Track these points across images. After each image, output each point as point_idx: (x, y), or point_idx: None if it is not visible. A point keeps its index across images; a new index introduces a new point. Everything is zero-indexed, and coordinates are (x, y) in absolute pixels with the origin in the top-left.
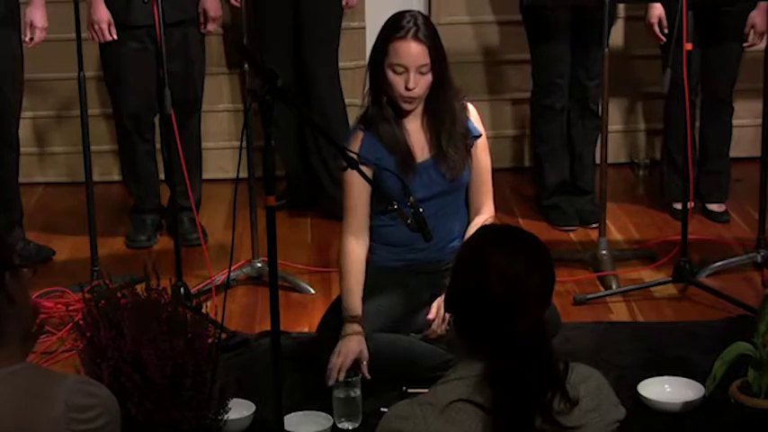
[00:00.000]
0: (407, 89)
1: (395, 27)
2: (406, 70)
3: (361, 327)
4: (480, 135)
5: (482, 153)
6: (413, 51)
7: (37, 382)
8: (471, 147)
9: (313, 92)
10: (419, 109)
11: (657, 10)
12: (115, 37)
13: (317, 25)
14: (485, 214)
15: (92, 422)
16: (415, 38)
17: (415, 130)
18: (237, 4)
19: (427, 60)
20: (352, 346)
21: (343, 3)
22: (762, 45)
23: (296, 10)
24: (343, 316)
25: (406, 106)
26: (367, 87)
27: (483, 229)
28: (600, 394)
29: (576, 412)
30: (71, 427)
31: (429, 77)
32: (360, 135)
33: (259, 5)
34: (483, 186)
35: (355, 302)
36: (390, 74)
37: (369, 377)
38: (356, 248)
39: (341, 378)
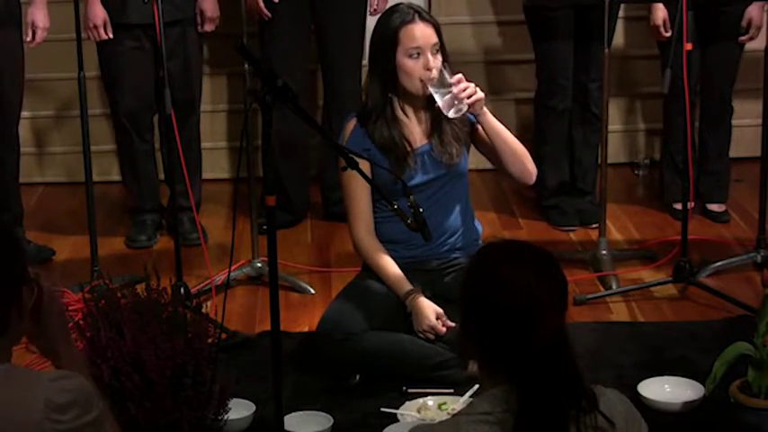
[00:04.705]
0: (428, 69)
1: (396, 16)
2: (423, 52)
3: (419, 291)
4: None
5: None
6: (425, 32)
7: (14, 386)
8: (472, 132)
9: (337, 97)
10: (423, 97)
11: (662, 11)
12: (111, 36)
13: (340, 30)
14: None
15: (73, 422)
16: (422, 19)
17: (414, 120)
18: (268, 15)
19: (437, 39)
20: (427, 311)
21: (371, 10)
22: (762, 45)
23: (316, 17)
24: (401, 299)
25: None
26: (365, 82)
27: (483, 249)
28: (629, 417)
29: None
30: (55, 427)
31: (440, 58)
32: (352, 124)
33: (275, 12)
34: None
35: (403, 284)
36: (407, 61)
37: (453, 324)
38: (371, 241)
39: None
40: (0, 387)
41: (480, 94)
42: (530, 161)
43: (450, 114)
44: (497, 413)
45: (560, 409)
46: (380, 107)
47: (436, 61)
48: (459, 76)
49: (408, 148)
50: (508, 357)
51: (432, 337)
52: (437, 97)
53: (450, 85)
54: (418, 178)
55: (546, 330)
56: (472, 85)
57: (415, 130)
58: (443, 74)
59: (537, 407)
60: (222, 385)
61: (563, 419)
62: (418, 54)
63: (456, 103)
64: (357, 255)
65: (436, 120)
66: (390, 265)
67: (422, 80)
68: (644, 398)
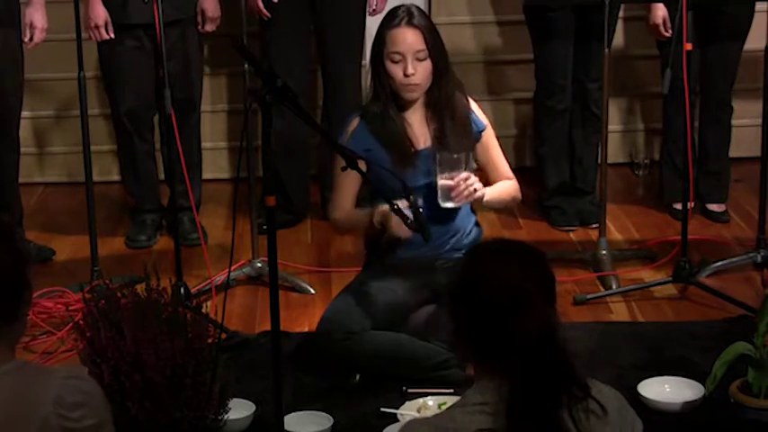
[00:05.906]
0: (406, 75)
1: (390, 18)
2: (404, 57)
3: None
4: (485, 128)
5: (491, 140)
6: (408, 38)
7: (26, 381)
8: (478, 140)
9: (337, 96)
10: (421, 100)
11: (661, 11)
12: (112, 36)
13: (339, 31)
14: (510, 181)
15: (79, 422)
16: (409, 24)
17: (417, 121)
18: (267, 15)
19: (423, 46)
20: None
21: (370, 10)
22: (762, 45)
23: (316, 17)
24: (370, 215)
25: (408, 95)
26: (368, 82)
27: (471, 249)
28: (623, 412)
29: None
30: (62, 423)
31: (428, 64)
32: (355, 123)
33: (275, 13)
34: (501, 168)
35: (364, 210)
36: (389, 64)
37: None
38: (345, 214)
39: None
40: (12, 382)
41: (478, 194)
42: (515, 200)
43: (440, 201)
44: (492, 403)
45: (551, 397)
46: (383, 105)
47: (420, 68)
48: (465, 175)
49: (412, 148)
50: (498, 352)
51: (381, 228)
52: (438, 178)
53: (453, 178)
54: (422, 179)
55: (532, 322)
56: (474, 185)
57: (419, 131)
58: (456, 161)
59: (528, 397)
60: (222, 385)
61: (554, 406)
62: (399, 59)
63: (452, 196)
64: (335, 231)
65: (439, 123)
66: (354, 211)
67: (401, 86)
68: (644, 398)
